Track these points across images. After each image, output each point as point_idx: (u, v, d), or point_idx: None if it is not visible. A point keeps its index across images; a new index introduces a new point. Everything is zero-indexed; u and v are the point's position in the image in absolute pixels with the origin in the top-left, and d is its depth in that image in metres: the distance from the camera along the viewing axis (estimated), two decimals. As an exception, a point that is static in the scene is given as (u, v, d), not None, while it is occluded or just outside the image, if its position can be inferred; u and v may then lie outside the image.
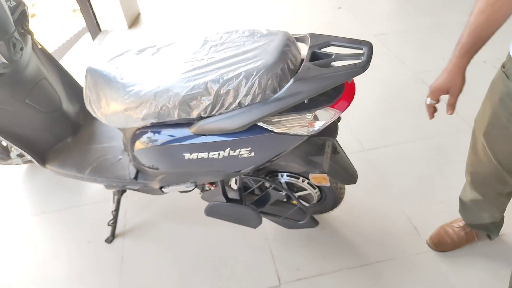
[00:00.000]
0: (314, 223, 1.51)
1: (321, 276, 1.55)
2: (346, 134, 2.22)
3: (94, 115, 1.35)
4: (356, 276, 1.54)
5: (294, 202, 1.52)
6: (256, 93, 1.08)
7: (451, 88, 1.08)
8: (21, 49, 1.52)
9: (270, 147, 1.18)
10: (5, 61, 1.19)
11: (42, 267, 1.70)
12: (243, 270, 1.60)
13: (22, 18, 1.58)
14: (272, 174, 1.53)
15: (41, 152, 1.75)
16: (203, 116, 1.15)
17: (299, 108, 1.11)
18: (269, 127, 1.14)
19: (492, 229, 1.52)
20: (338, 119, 1.40)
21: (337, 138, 1.34)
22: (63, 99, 1.80)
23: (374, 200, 1.84)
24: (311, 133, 1.15)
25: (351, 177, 1.44)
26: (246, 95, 1.08)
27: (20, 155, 2.03)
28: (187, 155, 1.24)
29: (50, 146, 1.78)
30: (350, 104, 1.17)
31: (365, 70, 1.02)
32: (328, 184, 1.35)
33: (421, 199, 1.82)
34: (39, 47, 1.71)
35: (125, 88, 1.22)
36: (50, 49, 3.51)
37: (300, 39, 1.21)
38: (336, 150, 1.41)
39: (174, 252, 1.70)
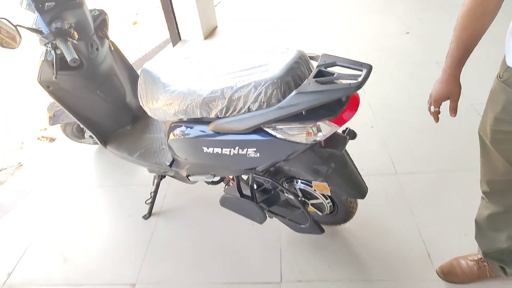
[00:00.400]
0: (319, 230, 1.59)
1: (321, 282, 1.62)
2: (381, 155, 2.24)
3: (143, 107, 1.63)
4: (354, 289, 1.58)
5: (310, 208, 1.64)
6: (262, 100, 1.23)
7: (451, 95, 1.22)
8: (97, 49, 1.88)
9: (273, 150, 1.32)
10: (77, 57, 1.51)
11: (91, 230, 2.03)
12: (251, 262, 1.74)
13: (102, 24, 1.95)
14: (290, 179, 1.66)
15: (105, 135, 2.10)
16: (219, 116, 1.34)
17: (301, 118, 1.24)
18: (273, 132, 1.28)
19: (507, 260, 1.45)
20: (354, 136, 1.49)
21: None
22: (127, 93, 2.14)
23: (393, 221, 1.84)
24: (309, 142, 1.27)
25: (357, 191, 1.50)
26: (254, 102, 1.25)
27: (91, 136, 2.43)
28: (205, 149, 1.44)
29: (112, 131, 2.12)
30: (349, 120, 1.26)
31: (358, 90, 1.11)
32: (329, 193, 1.44)
33: (444, 229, 1.78)
34: (112, 49, 2.07)
35: (164, 87, 1.46)
36: (141, 53, 4.09)
37: (314, 58, 1.34)
38: (346, 163, 1.49)
39: (196, 236, 1.91)
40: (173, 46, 4.23)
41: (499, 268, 1.50)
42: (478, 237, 1.52)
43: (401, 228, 1.81)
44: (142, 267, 1.79)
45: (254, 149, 1.34)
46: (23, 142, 3.11)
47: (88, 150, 2.62)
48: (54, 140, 3.01)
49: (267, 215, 1.60)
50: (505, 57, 1.10)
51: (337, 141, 1.42)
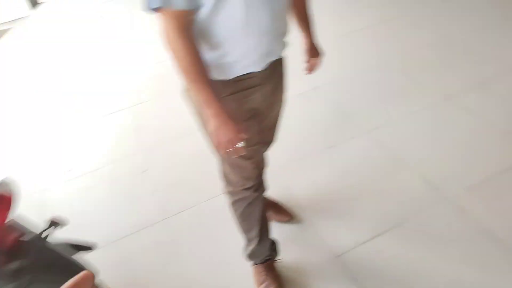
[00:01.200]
0: None
1: None
2: (153, 202, 2.15)
3: None
4: None
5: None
6: None
7: (240, 127, 1.22)
8: None
9: None
10: None
11: None
12: None
13: None
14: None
15: None
16: None
17: None
18: None
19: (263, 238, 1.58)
20: (60, 224, 1.33)
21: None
22: None
23: (158, 276, 1.78)
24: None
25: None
26: None
27: None
28: None
29: None
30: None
31: None
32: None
33: (211, 264, 1.80)
34: None
35: None
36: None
37: None
38: (46, 265, 1.31)
39: None
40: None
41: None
42: (259, 246, 1.58)
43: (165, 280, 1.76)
44: None
45: None
46: None
47: None
48: None
49: None
50: None
51: (22, 250, 1.25)
